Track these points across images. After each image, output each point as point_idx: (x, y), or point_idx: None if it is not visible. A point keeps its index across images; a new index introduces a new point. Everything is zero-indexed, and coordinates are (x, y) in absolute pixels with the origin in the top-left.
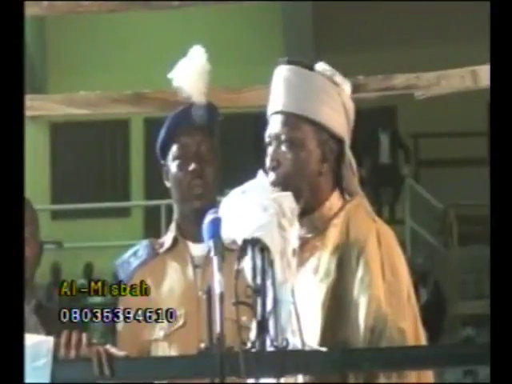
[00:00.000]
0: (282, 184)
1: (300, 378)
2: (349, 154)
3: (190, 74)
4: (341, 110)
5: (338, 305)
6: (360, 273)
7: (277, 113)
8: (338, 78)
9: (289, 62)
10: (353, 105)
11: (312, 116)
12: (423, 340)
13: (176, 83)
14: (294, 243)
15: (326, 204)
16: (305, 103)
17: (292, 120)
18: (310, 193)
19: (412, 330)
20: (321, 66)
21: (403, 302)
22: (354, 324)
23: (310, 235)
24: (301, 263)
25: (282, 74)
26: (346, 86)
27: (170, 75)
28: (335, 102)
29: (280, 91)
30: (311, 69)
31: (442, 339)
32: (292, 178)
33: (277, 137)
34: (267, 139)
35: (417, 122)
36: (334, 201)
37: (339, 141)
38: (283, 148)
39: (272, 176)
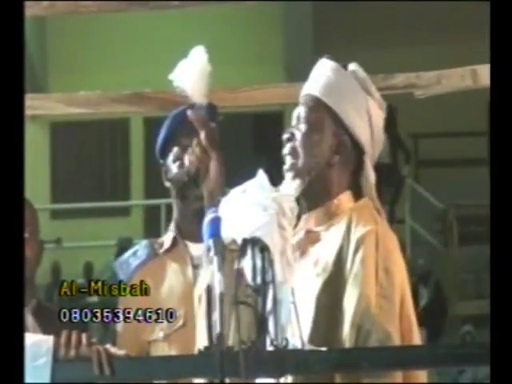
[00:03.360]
0: (291, 155)
1: (289, 379)
2: (368, 167)
3: (190, 75)
4: (365, 116)
5: (330, 300)
6: (354, 271)
7: (305, 95)
8: (372, 87)
9: (332, 60)
10: (381, 123)
11: (334, 107)
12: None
13: (176, 84)
14: (300, 235)
15: (334, 201)
16: (330, 93)
17: (314, 102)
18: (318, 180)
19: (402, 336)
20: (354, 66)
21: (394, 307)
22: (342, 321)
23: (316, 229)
24: (303, 254)
25: (323, 66)
26: (381, 106)
27: (170, 76)
28: (361, 106)
29: (314, 80)
30: (344, 66)
31: (441, 339)
32: (301, 155)
33: (298, 115)
34: (294, 120)
35: (417, 122)
36: (343, 201)
37: (358, 146)
38: (301, 126)
39: (287, 146)
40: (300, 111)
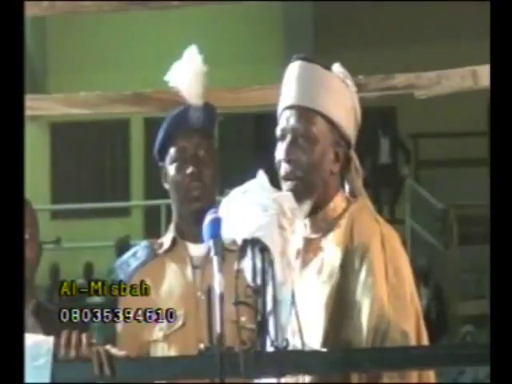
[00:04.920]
0: (296, 178)
1: (300, 378)
2: (354, 156)
3: (185, 76)
4: (352, 113)
5: (341, 306)
6: (363, 274)
7: (291, 107)
8: (349, 80)
9: (305, 59)
10: (360, 117)
11: (327, 113)
12: (425, 342)
13: (172, 85)
14: (298, 244)
15: (330, 205)
16: (320, 100)
17: (308, 114)
18: (322, 191)
19: (414, 332)
20: (337, 68)
21: (406, 304)
22: (357, 325)
23: (314, 236)
24: (304, 264)
25: (296, 70)
26: (354, 89)
27: (166, 77)
28: (348, 104)
29: (294, 86)
30: (328, 68)
31: (442, 339)
32: (308, 172)
33: (293, 130)
34: (280, 132)
35: (417, 122)
36: (338, 202)
37: (347, 143)
38: (300, 142)
39: (287, 169)
40: (294, 125)
